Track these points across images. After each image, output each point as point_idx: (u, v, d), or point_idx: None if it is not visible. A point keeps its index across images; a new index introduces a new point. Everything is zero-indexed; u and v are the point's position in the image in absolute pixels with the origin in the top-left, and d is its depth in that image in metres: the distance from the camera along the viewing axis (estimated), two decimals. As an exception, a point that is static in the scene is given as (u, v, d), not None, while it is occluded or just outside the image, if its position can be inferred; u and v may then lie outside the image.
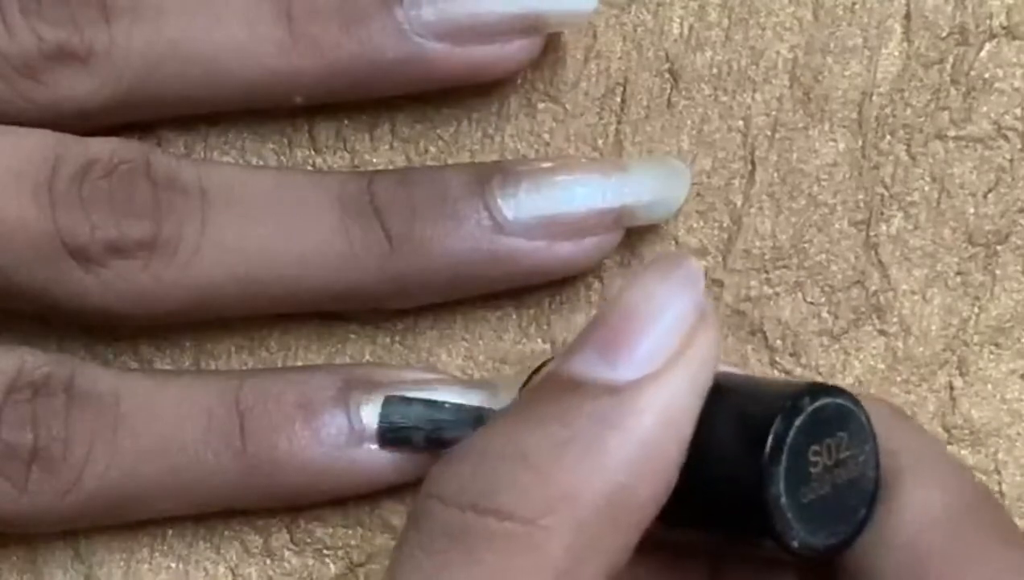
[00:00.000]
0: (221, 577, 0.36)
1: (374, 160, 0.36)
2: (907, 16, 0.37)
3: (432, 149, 0.36)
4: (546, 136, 0.36)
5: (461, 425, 0.33)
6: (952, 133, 0.36)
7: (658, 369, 0.28)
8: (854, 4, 0.37)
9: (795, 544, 0.28)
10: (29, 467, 0.33)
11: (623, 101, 0.37)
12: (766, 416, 0.28)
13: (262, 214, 0.34)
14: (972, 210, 0.36)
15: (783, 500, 0.28)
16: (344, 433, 0.34)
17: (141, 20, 0.33)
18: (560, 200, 0.34)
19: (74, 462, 0.33)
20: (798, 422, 0.28)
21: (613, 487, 0.27)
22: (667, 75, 0.37)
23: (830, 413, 0.29)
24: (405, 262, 0.34)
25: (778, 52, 0.37)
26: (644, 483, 0.28)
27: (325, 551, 0.36)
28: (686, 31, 0.37)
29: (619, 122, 0.37)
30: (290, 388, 0.34)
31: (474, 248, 0.34)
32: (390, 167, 0.36)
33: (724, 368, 0.30)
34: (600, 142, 0.36)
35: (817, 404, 0.28)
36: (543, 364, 0.32)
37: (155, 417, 0.34)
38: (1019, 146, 0.36)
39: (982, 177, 0.36)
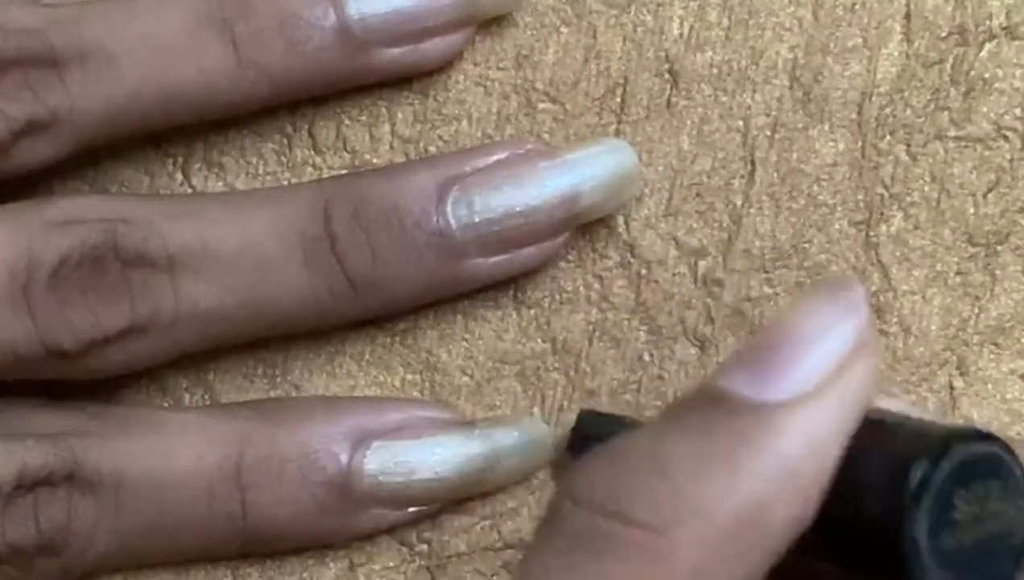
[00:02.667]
0: (221, 577, 0.36)
1: (374, 160, 0.36)
2: (907, 16, 0.37)
3: (432, 149, 0.36)
4: (546, 136, 0.36)
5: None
6: (952, 133, 0.36)
7: (809, 393, 0.27)
8: (854, 4, 0.37)
9: None
10: (33, 557, 0.33)
11: (623, 101, 0.37)
12: (914, 455, 0.27)
13: (231, 279, 0.34)
14: (972, 210, 0.36)
15: (923, 543, 0.27)
16: (347, 501, 0.34)
17: (95, 72, 0.33)
18: (517, 210, 0.34)
19: (77, 546, 0.34)
20: (946, 465, 0.27)
21: (747, 508, 0.26)
22: (667, 75, 0.37)
23: (982, 460, 0.28)
24: (369, 301, 0.35)
25: (778, 52, 0.37)
26: (780, 507, 0.27)
27: (325, 551, 0.36)
28: (686, 31, 0.37)
29: (619, 122, 0.37)
30: (292, 453, 0.34)
31: (434, 278, 0.35)
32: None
33: (882, 404, 0.29)
34: (600, 142, 0.36)
35: (969, 449, 0.27)
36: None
37: (156, 497, 0.34)
38: (1019, 146, 0.36)
39: (982, 177, 0.36)
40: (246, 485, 0.34)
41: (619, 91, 0.37)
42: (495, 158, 0.35)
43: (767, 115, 0.36)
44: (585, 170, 0.35)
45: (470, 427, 0.35)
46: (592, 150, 0.35)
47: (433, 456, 0.35)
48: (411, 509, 0.35)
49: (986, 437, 0.28)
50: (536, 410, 0.36)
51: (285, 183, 0.36)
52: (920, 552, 0.27)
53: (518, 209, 0.34)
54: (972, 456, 0.27)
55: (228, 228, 0.34)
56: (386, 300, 0.35)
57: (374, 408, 0.35)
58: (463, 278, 0.35)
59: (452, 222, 0.34)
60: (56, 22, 0.34)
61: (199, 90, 0.34)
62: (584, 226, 0.36)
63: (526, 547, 0.28)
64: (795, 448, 0.27)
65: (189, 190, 0.36)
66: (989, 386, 0.36)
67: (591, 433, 0.34)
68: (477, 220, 0.34)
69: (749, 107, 0.36)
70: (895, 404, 0.29)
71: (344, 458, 0.34)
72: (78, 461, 0.34)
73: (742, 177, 0.36)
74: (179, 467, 0.34)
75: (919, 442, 0.27)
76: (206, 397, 0.36)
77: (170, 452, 0.34)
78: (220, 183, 0.36)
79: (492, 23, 0.36)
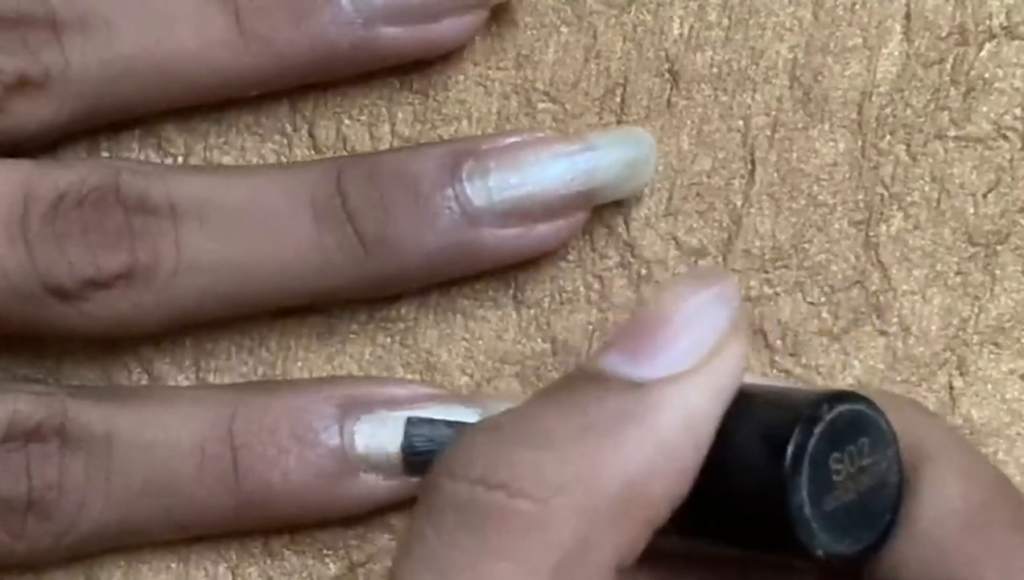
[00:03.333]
0: (221, 577, 0.36)
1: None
2: (907, 16, 0.37)
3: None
4: (546, 136, 0.36)
5: None
6: (952, 133, 0.36)
7: (684, 371, 0.28)
8: (854, 4, 0.37)
9: (820, 553, 0.28)
10: (25, 516, 0.33)
11: (623, 101, 0.37)
12: (786, 426, 0.28)
13: (236, 230, 0.34)
14: (972, 210, 0.36)
15: (806, 510, 0.28)
16: (340, 464, 0.34)
17: (93, 37, 0.33)
18: (532, 183, 0.34)
19: (69, 508, 0.33)
20: (817, 430, 0.28)
21: (627, 478, 0.27)
22: (667, 75, 0.37)
23: (850, 420, 0.29)
24: (380, 263, 0.34)
25: (778, 52, 0.37)
26: (659, 480, 0.28)
27: (325, 551, 0.36)
28: (686, 31, 0.37)
29: (619, 122, 0.37)
30: (284, 416, 0.34)
31: (448, 243, 0.34)
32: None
33: (748, 379, 0.30)
34: (600, 142, 0.36)
35: (836, 411, 0.28)
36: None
37: (148, 456, 0.34)
38: (1019, 146, 0.36)
39: (982, 177, 0.36)
40: (238, 446, 0.34)
41: (619, 91, 0.37)
42: (512, 140, 0.35)
43: (767, 115, 0.36)
44: (602, 151, 0.35)
45: (461, 399, 0.35)
46: (612, 136, 0.35)
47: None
48: (407, 480, 0.34)
49: (850, 397, 0.29)
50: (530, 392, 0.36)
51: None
52: (806, 519, 0.28)
53: (533, 182, 0.34)
54: (841, 417, 0.28)
55: (236, 181, 0.34)
56: (395, 263, 0.34)
57: (366, 381, 0.35)
58: (476, 247, 0.34)
59: (467, 188, 0.34)
60: None
61: (199, 61, 0.34)
62: (584, 226, 0.36)
63: (403, 531, 0.28)
64: (671, 422, 0.28)
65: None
66: (989, 386, 0.36)
67: (421, 445, 0.34)
68: (492, 187, 0.34)
69: (749, 107, 0.36)
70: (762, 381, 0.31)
71: (336, 421, 0.34)
72: (69, 416, 0.33)
73: (742, 177, 0.36)
74: (171, 427, 0.34)
75: (789, 412, 0.28)
76: (206, 397, 0.36)
77: (162, 413, 0.34)
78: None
79: (492, 23, 0.36)
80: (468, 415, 0.34)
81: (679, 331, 0.29)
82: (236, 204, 0.34)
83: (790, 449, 0.28)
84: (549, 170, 0.34)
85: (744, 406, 0.29)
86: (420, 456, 0.34)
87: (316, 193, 0.34)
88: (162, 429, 0.34)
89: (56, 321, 0.33)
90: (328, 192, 0.34)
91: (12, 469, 0.33)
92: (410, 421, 0.34)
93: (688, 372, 0.28)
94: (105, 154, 0.36)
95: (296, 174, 0.35)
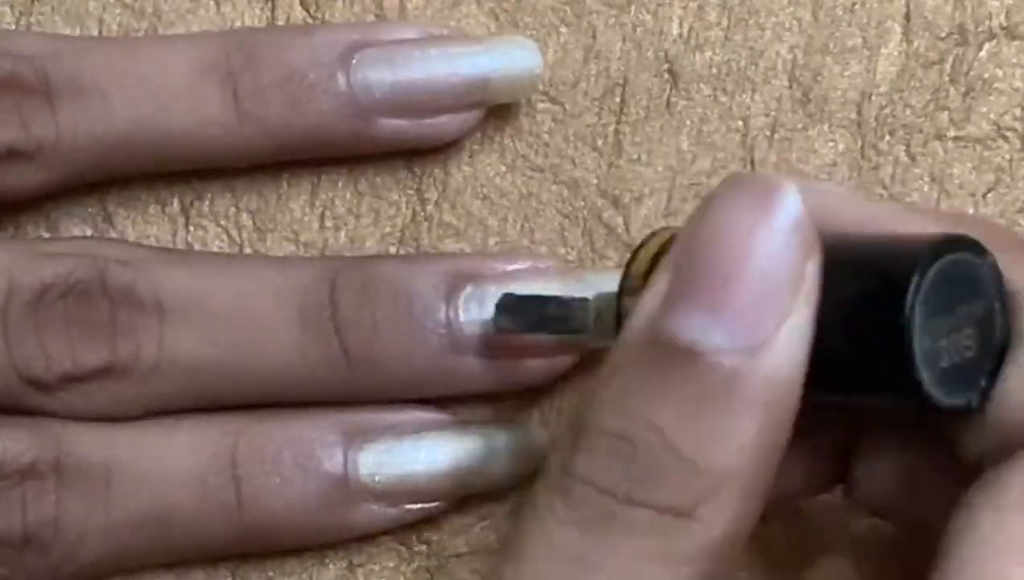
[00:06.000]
0: (221, 578, 0.36)
1: (374, 161, 0.36)
2: (906, 16, 0.37)
3: (432, 151, 0.36)
4: (546, 136, 0.36)
5: (573, 321, 0.33)
6: (951, 133, 0.36)
7: (779, 328, 0.26)
8: (854, 4, 0.37)
9: (943, 400, 0.27)
10: (22, 552, 0.33)
11: (622, 101, 0.37)
12: (899, 277, 0.27)
13: (220, 333, 0.33)
14: (972, 210, 0.36)
15: (921, 356, 0.27)
16: (343, 493, 0.34)
17: (87, 108, 0.33)
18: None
19: (66, 542, 0.33)
20: (928, 279, 0.27)
21: (755, 462, 0.26)
22: (666, 75, 0.37)
23: (958, 272, 0.27)
24: (362, 380, 0.34)
25: (777, 52, 0.37)
26: (775, 437, 0.27)
27: (325, 551, 0.36)
28: (685, 31, 0.37)
29: (618, 122, 0.37)
30: (287, 445, 0.34)
31: (432, 366, 0.34)
32: (389, 169, 0.36)
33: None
34: (599, 142, 0.36)
35: (947, 260, 0.27)
36: (649, 238, 0.31)
37: (148, 487, 0.33)
38: (1018, 146, 0.36)
39: (981, 177, 0.36)
40: (240, 476, 0.34)
41: (618, 91, 0.37)
42: (514, 267, 0.35)
43: (766, 115, 0.36)
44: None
45: (464, 426, 0.35)
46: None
47: (427, 453, 0.34)
48: (409, 506, 0.34)
49: (960, 244, 0.27)
50: (535, 412, 0.36)
51: (282, 177, 0.36)
52: (921, 363, 0.27)
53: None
54: (951, 267, 0.27)
55: (224, 282, 0.34)
56: (377, 381, 0.34)
57: (369, 409, 0.35)
58: (458, 375, 0.34)
59: (461, 316, 0.34)
60: (56, 53, 0.34)
61: (192, 137, 0.34)
62: (584, 226, 0.36)
63: (528, 519, 0.27)
64: (782, 384, 0.26)
65: (178, 197, 0.36)
66: (989, 386, 0.36)
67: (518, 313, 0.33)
68: (487, 319, 0.34)
69: (748, 107, 0.36)
70: None
71: (339, 450, 0.34)
72: (64, 450, 0.33)
73: (742, 177, 0.36)
74: (171, 457, 0.34)
75: (896, 261, 0.27)
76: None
77: (162, 442, 0.34)
78: (217, 181, 0.36)
79: (491, 23, 0.36)
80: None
81: (762, 281, 0.26)
82: (223, 305, 0.34)
83: (907, 299, 0.26)
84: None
85: (841, 261, 0.27)
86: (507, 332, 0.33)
87: (306, 300, 0.34)
88: (162, 459, 0.34)
89: (35, 408, 0.33)
90: (319, 301, 0.34)
91: (7, 507, 0.33)
92: (500, 301, 0.33)
93: (783, 325, 0.26)
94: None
95: (289, 276, 0.34)
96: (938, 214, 0.31)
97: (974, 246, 0.28)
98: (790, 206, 0.26)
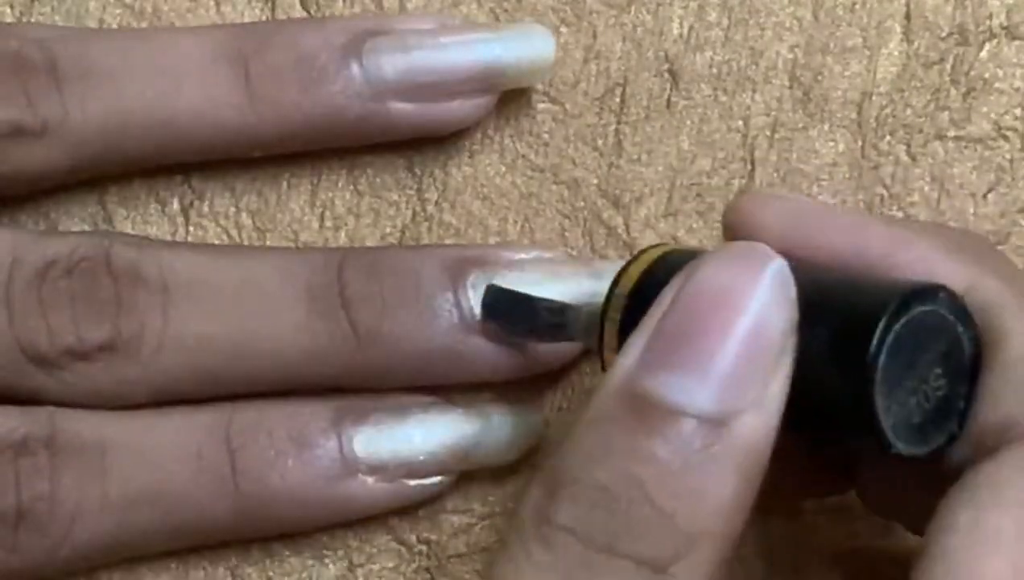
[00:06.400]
0: (221, 577, 0.36)
1: (374, 161, 0.36)
2: (907, 16, 0.37)
3: (432, 151, 0.36)
4: (546, 136, 0.36)
5: (558, 328, 0.33)
6: (952, 133, 0.36)
7: (760, 394, 0.27)
8: (854, 4, 0.37)
9: (900, 452, 0.27)
10: (16, 529, 0.32)
11: (623, 101, 0.37)
12: (864, 329, 0.27)
13: (225, 311, 0.33)
14: (972, 210, 0.36)
15: (882, 413, 0.27)
16: (337, 465, 0.34)
17: (94, 88, 0.33)
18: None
19: (62, 519, 0.33)
20: (893, 332, 0.27)
21: (730, 520, 0.27)
22: (667, 75, 0.37)
23: (925, 323, 0.27)
24: (371, 356, 0.34)
25: (778, 52, 0.37)
26: (749, 496, 0.27)
27: (325, 551, 0.36)
28: (686, 31, 0.37)
29: (619, 122, 0.37)
30: (281, 421, 0.34)
31: (441, 345, 0.34)
32: (389, 168, 0.36)
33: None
34: (600, 142, 0.36)
35: (914, 312, 0.27)
36: (641, 254, 0.31)
37: (143, 462, 0.33)
38: (1019, 146, 0.36)
39: (982, 177, 0.36)
40: (235, 448, 0.33)
41: (619, 91, 0.37)
42: (521, 256, 0.35)
43: (767, 115, 0.36)
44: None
45: (459, 405, 0.35)
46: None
47: (421, 427, 0.34)
48: (407, 482, 0.34)
49: (926, 295, 0.27)
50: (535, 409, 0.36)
51: (283, 177, 0.36)
52: (882, 422, 0.27)
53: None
54: (916, 319, 0.27)
55: (230, 261, 0.34)
56: (386, 358, 0.34)
57: (364, 395, 0.35)
58: (465, 356, 0.34)
59: (471, 296, 0.34)
60: (65, 36, 0.34)
61: (203, 120, 0.34)
62: (584, 226, 0.36)
63: (507, 559, 0.28)
64: (757, 445, 0.27)
65: (177, 197, 0.36)
66: (989, 386, 0.36)
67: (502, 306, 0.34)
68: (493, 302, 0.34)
69: (749, 107, 0.36)
70: None
71: (333, 425, 0.34)
72: (58, 427, 0.33)
73: (742, 177, 0.36)
74: (166, 434, 0.33)
75: (863, 312, 0.27)
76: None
77: (156, 421, 0.34)
78: (217, 181, 0.36)
79: (491, 24, 0.36)
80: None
81: (748, 348, 0.27)
82: (229, 282, 0.33)
83: (871, 348, 0.26)
84: (554, 293, 0.34)
85: (813, 306, 0.27)
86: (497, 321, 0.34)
87: (314, 278, 0.34)
88: (156, 435, 0.33)
89: (35, 389, 0.33)
90: (327, 279, 0.34)
91: (0, 483, 0.32)
92: (488, 289, 0.34)
93: (763, 389, 0.27)
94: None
95: (296, 258, 0.34)
96: (907, 225, 0.31)
97: (942, 297, 0.28)
98: (778, 276, 0.27)
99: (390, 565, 0.36)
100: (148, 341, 0.33)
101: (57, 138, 0.33)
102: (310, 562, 0.36)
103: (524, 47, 0.35)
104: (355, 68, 0.34)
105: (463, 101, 0.35)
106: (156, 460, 0.33)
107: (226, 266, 0.34)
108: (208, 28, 0.35)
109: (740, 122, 0.36)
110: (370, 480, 0.34)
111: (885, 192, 0.36)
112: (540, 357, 0.35)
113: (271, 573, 0.36)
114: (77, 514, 0.33)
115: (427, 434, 0.34)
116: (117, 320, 0.33)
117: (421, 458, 0.34)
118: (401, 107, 0.34)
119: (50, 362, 0.33)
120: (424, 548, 0.36)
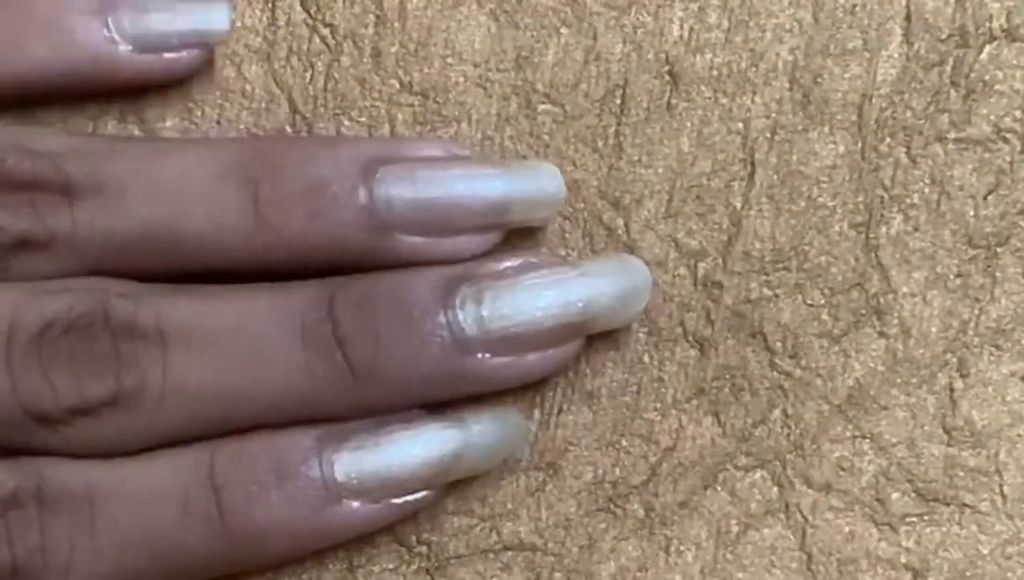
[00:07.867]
0: (220, 577, 0.36)
1: (374, 161, 0.36)
2: (907, 18, 0.37)
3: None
4: (546, 137, 0.36)
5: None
6: (952, 135, 0.36)
7: None
8: (854, 6, 0.37)
9: None
10: None
11: (623, 103, 0.37)
12: None
13: (223, 358, 0.33)
14: (972, 212, 0.36)
15: None
16: (320, 493, 0.34)
17: (104, 204, 0.33)
18: (525, 312, 0.34)
19: (56, 570, 0.33)
20: None
21: None
22: (667, 77, 0.37)
23: None
24: (369, 391, 0.34)
25: (778, 54, 0.37)
26: None
27: (324, 553, 0.36)
28: (686, 33, 0.37)
29: (619, 124, 0.37)
30: (262, 454, 0.34)
31: (438, 371, 0.34)
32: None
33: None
34: (600, 144, 0.36)
35: None
36: None
37: (132, 509, 0.33)
38: (1019, 148, 0.36)
39: (982, 179, 0.36)
40: (219, 486, 0.34)
41: (619, 93, 0.37)
42: (507, 265, 0.35)
43: (767, 117, 0.36)
44: (598, 282, 0.35)
45: (437, 416, 0.35)
46: (607, 265, 0.35)
47: (400, 445, 0.34)
48: (393, 501, 0.34)
49: None
50: (536, 412, 0.36)
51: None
52: None
53: (526, 312, 0.34)
54: None
55: (225, 307, 0.34)
56: (384, 391, 0.34)
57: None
58: (465, 375, 0.34)
59: (460, 316, 0.34)
60: (77, 151, 0.34)
61: (206, 242, 0.34)
62: (584, 227, 0.36)
63: None
64: None
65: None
66: (989, 388, 0.36)
67: None
68: (485, 316, 0.34)
69: (749, 109, 0.36)
70: None
71: (313, 452, 0.34)
72: (45, 478, 0.33)
73: (742, 179, 0.36)
74: (153, 477, 0.34)
75: None
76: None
77: (141, 465, 0.34)
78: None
79: (492, 24, 0.36)
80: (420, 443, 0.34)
81: None
82: (225, 329, 0.34)
83: None
84: (542, 300, 0.34)
85: None
86: None
87: (306, 319, 0.34)
88: (143, 480, 0.34)
89: (36, 444, 0.33)
90: (319, 318, 0.34)
91: None
92: None
93: None
94: (90, 127, 0.36)
95: (287, 298, 0.34)
96: None
97: None
98: None
99: (389, 566, 0.36)
100: (150, 393, 0.33)
101: (62, 249, 0.33)
102: (309, 563, 0.36)
103: (531, 185, 0.35)
104: (364, 199, 0.34)
105: (470, 237, 0.35)
106: (144, 505, 0.33)
107: (222, 312, 0.34)
108: (220, 145, 0.35)
109: (740, 124, 0.36)
110: (355, 504, 0.34)
111: (885, 194, 0.36)
112: (539, 363, 0.35)
113: (271, 573, 0.36)
114: (71, 566, 0.33)
115: (406, 454, 0.34)
116: (118, 375, 0.33)
117: (403, 479, 0.34)
118: (407, 240, 0.34)
119: (54, 420, 0.33)
120: (424, 549, 0.36)
